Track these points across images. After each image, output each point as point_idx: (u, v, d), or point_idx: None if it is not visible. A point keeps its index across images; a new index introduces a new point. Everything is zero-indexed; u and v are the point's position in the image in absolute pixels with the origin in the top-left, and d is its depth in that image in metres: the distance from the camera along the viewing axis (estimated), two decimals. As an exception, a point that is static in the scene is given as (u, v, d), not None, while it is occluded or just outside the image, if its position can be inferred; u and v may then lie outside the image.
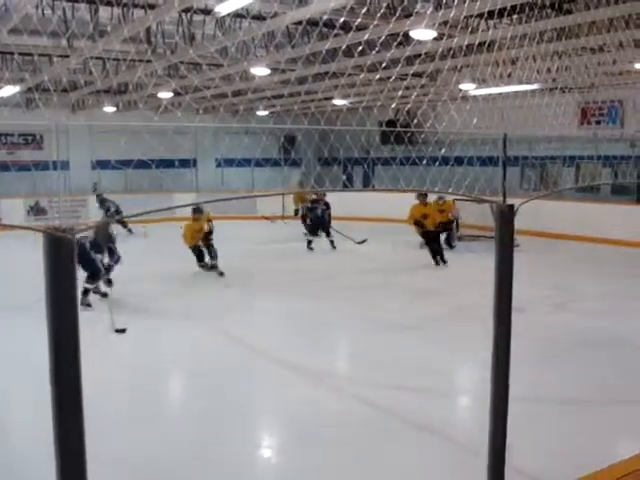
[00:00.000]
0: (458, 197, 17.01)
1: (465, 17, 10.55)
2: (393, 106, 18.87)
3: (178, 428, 6.15)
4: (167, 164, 23.99)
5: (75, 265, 1.66)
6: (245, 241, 17.54)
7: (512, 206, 2.54)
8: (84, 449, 1.83)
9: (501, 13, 10.07)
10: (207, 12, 11.01)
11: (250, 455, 5.68)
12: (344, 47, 11.31)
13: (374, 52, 11.06)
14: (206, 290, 12.16)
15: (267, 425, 6.61)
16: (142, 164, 23.91)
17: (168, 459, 5.43)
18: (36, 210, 23.38)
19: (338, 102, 20.29)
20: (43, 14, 10.50)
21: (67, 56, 12.57)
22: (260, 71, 14.38)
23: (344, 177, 26.41)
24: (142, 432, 5.88)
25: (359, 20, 9.17)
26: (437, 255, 14.61)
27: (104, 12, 10.81)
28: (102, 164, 25.03)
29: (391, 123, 22.81)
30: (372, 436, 5.82)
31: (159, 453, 5.49)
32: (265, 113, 25.18)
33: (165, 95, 18.76)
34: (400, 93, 14.67)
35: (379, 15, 9.63)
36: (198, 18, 11.61)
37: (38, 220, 23.06)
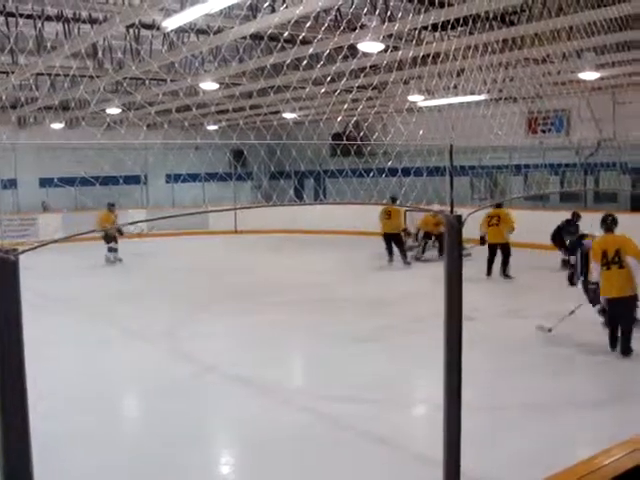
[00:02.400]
0: (407, 208, 17.14)
1: (412, 29, 10.67)
2: (340, 119, 18.95)
3: (131, 446, 6.05)
4: (116, 181, 23.78)
5: (19, 286, 1.63)
6: (194, 256, 17.37)
7: (460, 216, 2.57)
8: (31, 467, 1.80)
9: (447, 25, 10.20)
10: (154, 27, 10.96)
11: (205, 471, 5.64)
12: (292, 61, 11.35)
13: (320, 65, 11.11)
14: (154, 306, 12.01)
15: (221, 439, 6.56)
16: (90, 181, 23.67)
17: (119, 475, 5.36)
18: (-17, 230, 22.94)
19: (287, 115, 20.34)
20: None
21: (10, 72, 12.41)
22: (209, 86, 14.37)
23: (291, 191, 26.46)
24: (93, 451, 5.77)
25: (305, 34, 9.23)
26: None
27: (48, 27, 10.71)
28: (50, 182, 24.70)
29: (339, 136, 22.92)
30: (326, 448, 5.81)
31: (111, 474, 5.41)
32: (215, 128, 25.12)
33: (113, 111, 18.61)
34: (347, 106, 14.77)
35: (325, 29, 9.70)
36: (145, 33, 11.56)
37: (-16, 240, 22.61)
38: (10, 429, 1.71)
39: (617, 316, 8.25)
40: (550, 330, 9.15)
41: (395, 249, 16.00)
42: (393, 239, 15.99)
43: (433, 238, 16.89)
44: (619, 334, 8.17)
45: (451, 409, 2.76)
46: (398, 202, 16.17)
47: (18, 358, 1.68)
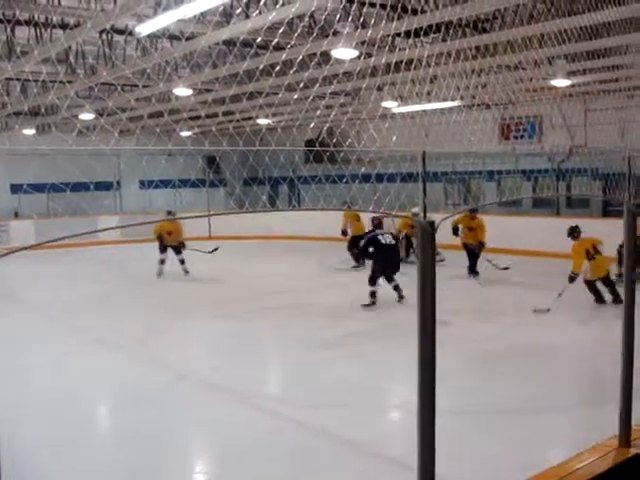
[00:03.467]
0: (379, 214, 17.17)
1: (385, 36, 10.71)
2: (312, 125, 18.99)
3: (107, 457, 6.00)
4: (88, 187, 23.61)
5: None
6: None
7: (433, 222, 2.58)
8: None
9: (421, 32, 10.27)
10: (127, 33, 10.91)
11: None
12: (265, 67, 11.34)
13: (294, 71, 11.12)
14: (124, 315, 11.90)
15: (197, 448, 6.52)
16: (61, 187, 23.49)
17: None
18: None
19: (261, 121, 20.34)
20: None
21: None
22: (182, 91, 14.32)
23: (264, 197, 26.46)
24: (67, 461, 5.71)
25: (278, 40, 9.23)
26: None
27: (19, 32, 10.62)
28: (22, 188, 24.48)
29: (312, 142, 22.94)
30: (302, 455, 5.79)
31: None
32: (188, 134, 25.06)
33: (85, 117, 18.49)
34: (320, 112, 14.81)
35: (298, 35, 9.71)
36: (118, 38, 11.50)
37: (-46, 247, 22.38)
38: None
39: (607, 285, 11.22)
40: (549, 310, 10.67)
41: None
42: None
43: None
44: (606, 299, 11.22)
45: (425, 413, 2.77)
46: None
47: None
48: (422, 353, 2.66)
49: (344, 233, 16.91)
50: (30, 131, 21.73)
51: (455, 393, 6.79)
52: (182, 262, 15.93)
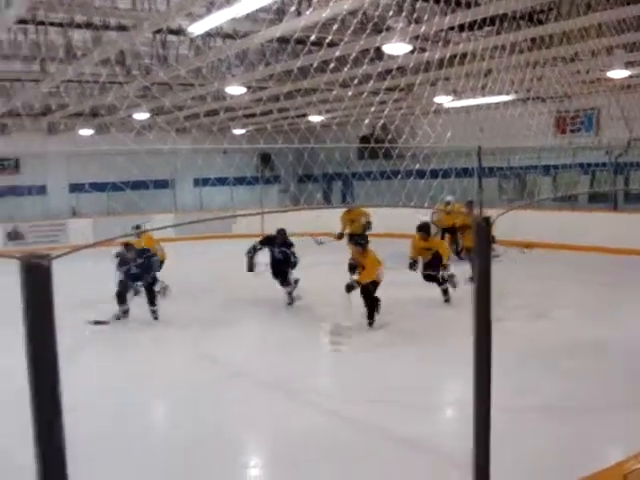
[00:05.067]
0: (438, 211, 17.02)
1: (438, 31, 10.64)
2: (366, 122, 18.95)
3: (160, 450, 6.10)
4: (144, 186, 23.99)
5: (52, 290, 1.66)
6: (217, 260, 17.26)
7: (488, 218, 2.56)
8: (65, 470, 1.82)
9: (474, 26, 10.16)
10: (180, 33, 11.03)
11: (234, 475, 5.66)
12: (318, 63, 11.35)
13: (347, 68, 11.11)
14: (182, 310, 12.03)
15: (250, 444, 6.58)
16: (118, 186, 23.95)
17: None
18: (14, 235, 23.25)
19: (314, 118, 20.35)
20: (15, 39, 10.49)
21: (40, 80, 12.55)
22: (235, 90, 14.41)
23: (319, 195, 26.49)
24: (124, 458, 5.81)
25: (331, 37, 9.22)
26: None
27: (77, 35, 10.82)
28: (81, 187, 24.98)
29: (366, 138, 22.87)
30: (356, 453, 5.79)
31: (143, 476, 5.45)
32: (242, 132, 25.22)
33: (141, 116, 18.75)
34: (374, 108, 14.76)
35: (351, 32, 9.68)
36: (172, 38, 11.64)
37: (17, 245, 22.92)
38: (44, 430, 1.74)
39: None
40: None
41: None
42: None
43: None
44: None
45: (480, 411, 2.75)
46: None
47: (52, 360, 1.72)
48: (478, 350, 2.65)
49: (341, 236, 16.48)
50: (89, 131, 22.10)
51: (511, 390, 6.72)
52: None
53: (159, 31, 10.99)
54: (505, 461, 3.75)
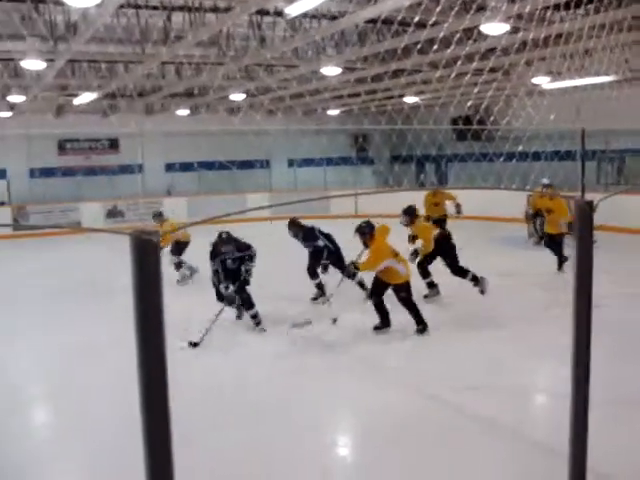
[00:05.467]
0: (535, 193, 16.61)
1: (535, 9, 10.37)
2: (458, 103, 18.65)
3: (256, 430, 6.22)
4: (238, 165, 24.37)
5: (160, 266, 1.72)
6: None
7: (591, 202, 2.49)
8: (171, 457, 1.88)
9: (575, 3, 9.86)
10: (278, 14, 11.10)
11: (325, 454, 5.76)
12: (416, 44, 11.24)
13: (448, 48, 10.98)
14: (281, 291, 12.11)
15: (342, 423, 6.65)
16: (213, 165, 24.44)
17: (249, 460, 5.51)
18: (114, 213, 23.98)
19: (409, 99, 20.20)
20: (118, 22, 10.75)
21: (141, 62, 12.85)
22: (331, 70, 14.41)
23: (412, 176, 26.30)
24: (221, 437, 5.95)
25: (423, 17, 9.12)
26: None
27: (177, 17, 11.02)
28: (175, 167, 25.57)
29: (459, 120, 22.54)
30: (445, 436, 5.81)
31: (237, 456, 5.57)
32: (337, 112, 25.26)
33: (237, 97, 18.98)
34: (467, 89, 14.53)
35: (442, 11, 9.52)
36: (269, 20, 11.72)
37: (116, 223, 23.66)
38: (151, 407, 1.80)
39: None
40: None
41: None
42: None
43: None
44: None
45: (578, 400, 2.70)
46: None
47: (160, 335, 1.78)
48: (577, 337, 2.60)
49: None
50: (184, 112, 22.53)
51: (608, 380, 6.56)
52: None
53: (257, 12, 11.08)
54: (602, 452, 3.68)
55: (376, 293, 9.32)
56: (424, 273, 11.12)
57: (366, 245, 9.30)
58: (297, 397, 6.90)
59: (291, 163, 27.63)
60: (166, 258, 12.82)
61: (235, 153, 23.87)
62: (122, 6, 9.79)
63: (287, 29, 11.94)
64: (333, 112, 25.19)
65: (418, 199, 16.31)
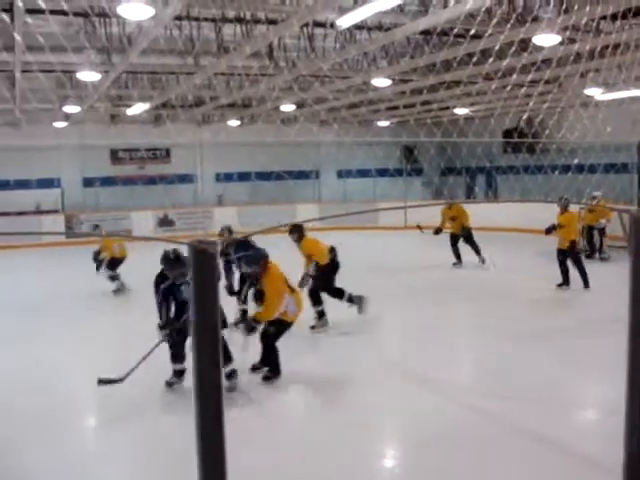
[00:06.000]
0: (584, 206, 16.41)
1: (589, 20, 10.26)
2: (510, 115, 18.50)
3: (309, 433, 6.25)
4: (288, 175, 24.52)
5: (216, 275, 1.76)
6: (365, 251, 17.33)
7: (647, 215, 2.46)
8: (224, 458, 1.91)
9: (628, 14, 9.73)
10: (328, 25, 11.14)
11: (372, 461, 5.76)
12: (464, 55, 11.20)
13: (493, 60, 10.91)
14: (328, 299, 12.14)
15: (389, 432, 6.64)
16: (264, 175, 24.63)
17: (298, 463, 5.54)
18: (165, 222, 24.26)
19: (458, 111, 20.11)
20: (170, 34, 10.92)
21: (193, 73, 13.01)
22: (381, 82, 14.42)
23: (462, 188, 26.10)
24: (274, 441, 5.98)
25: (476, 28, 9.09)
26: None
27: (228, 29, 11.15)
28: (227, 177, 25.81)
29: (510, 132, 22.34)
30: (491, 447, 5.77)
31: (289, 461, 5.60)
32: (386, 124, 25.25)
33: (287, 108, 19.10)
34: (519, 101, 14.42)
35: (498, 22, 9.47)
36: (320, 31, 11.78)
37: (166, 231, 23.95)
38: (206, 415, 1.84)
39: None
40: None
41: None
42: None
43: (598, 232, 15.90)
44: None
45: (633, 419, 2.66)
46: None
47: (216, 340, 1.82)
48: (633, 353, 2.56)
49: (438, 232, 15.73)
50: (235, 122, 22.72)
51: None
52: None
53: (307, 24, 11.14)
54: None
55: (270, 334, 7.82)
56: (315, 300, 10.07)
57: (257, 280, 7.86)
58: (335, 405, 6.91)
59: (340, 174, 27.65)
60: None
61: (285, 163, 24.04)
62: (176, 18, 9.94)
63: (338, 40, 11.98)
64: (383, 123, 25.18)
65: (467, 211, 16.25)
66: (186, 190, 25.48)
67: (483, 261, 15.28)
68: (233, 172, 25.80)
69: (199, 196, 25.60)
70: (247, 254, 8.65)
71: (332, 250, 10.41)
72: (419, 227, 14.93)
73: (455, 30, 9.75)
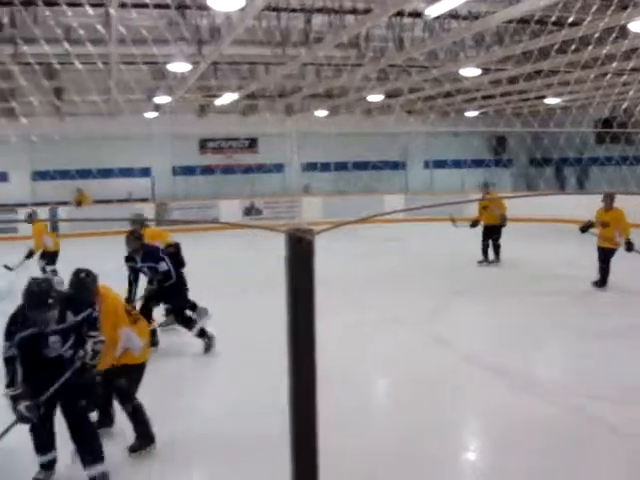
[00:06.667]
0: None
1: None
2: (608, 104, 18.00)
3: (382, 423, 6.24)
4: (375, 166, 24.48)
5: (313, 265, 1.76)
6: (450, 242, 17.00)
7: None
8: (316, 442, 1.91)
9: None
10: (417, 15, 11.06)
11: (450, 456, 5.71)
12: (557, 44, 10.95)
13: (589, 48, 10.63)
14: (408, 292, 12.08)
15: (470, 428, 6.58)
16: (350, 166, 24.65)
17: (375, 455, 5.53)
18: (251, 211, 24.56)
19: (550, 101, 19.68)
20: (260, 25, 11.03)
21: (282, 63, 13.11)
22: (470, 72, 14.24)
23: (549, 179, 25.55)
24: (348, 432, 5.96)
25: (574, 15, 8.87)
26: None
27: (316, 19, 11.18)
28: (313, 166, 25.94)
29: (607, 122, 21.71)
30: (580, 447, 5.63)
31: (368, 450, 5.59)
32: (475, 114, 24.94)
33: (375, 98, 19.05)
34: (617, 90, 14.01)
35: (595, 9, 9.21)
36: (407, 21, 11.70)
37: (252, 220, 24.28)
38: (300, 417, 1.86)
39: None
40: None
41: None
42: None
43: None
44: None
45: None
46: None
47: (311, 330, 1.82)
48: None
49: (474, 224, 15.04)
50: (323, 112, 22.78)
51: None
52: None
53: (396, 14, 11.08)
54: None
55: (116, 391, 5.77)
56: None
57: (92, 305, 5.26)
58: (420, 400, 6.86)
59: (427, 165, 27.42)
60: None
61: (372, 154, 24.01)
62: (264, 9, 10.03)
63: (425, 30, 11.88)
64: (471, 114, 24.86)
65: (556, 203, 15.85)
66: (273, 179, 25.74)
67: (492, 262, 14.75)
68: (319, 162, 25.92)
69: (287, 186, 25.82)
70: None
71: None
72: (453, 219, 14.43)
73: (552, 18, 9.53)
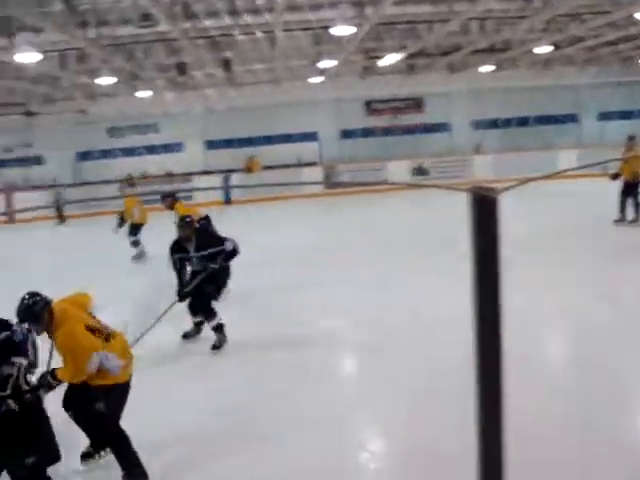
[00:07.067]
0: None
1: None
2: None
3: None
4: (546, 120, 23.70)
5: (498, 223, 1.75)
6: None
7: None
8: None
9: None
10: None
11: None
12: None
13: None
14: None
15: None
16: (520, 121, 23.99)
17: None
18: (420, 171, 24.45)
19: None
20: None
21: (447, 20, 12.86)
22: (644, 14, 13.37)
23: None
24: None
25: None
26: None
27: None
28: (481, 124, 25.43)
29: None
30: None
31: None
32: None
33: (543, 50, 18.32)
34: None
35: None
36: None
37: (421, 181, 24.20)
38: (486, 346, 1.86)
39: None
40: None
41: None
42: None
43: None
44: None
45: None
46: None
47: (496, 290, 1.83)
48: None
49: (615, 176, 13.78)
50: (489, 68, 22.18)
51: None
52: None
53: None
54: None
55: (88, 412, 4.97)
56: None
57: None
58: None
59: (602, 117, 26.00)
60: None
61: (542, 108, 23.22)
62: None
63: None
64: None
65: None
66: (439, 139, 25.47)
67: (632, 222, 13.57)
68: (488, 119, 25.34)
69: (455, 144, 25.45)
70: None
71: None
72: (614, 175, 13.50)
73: None
